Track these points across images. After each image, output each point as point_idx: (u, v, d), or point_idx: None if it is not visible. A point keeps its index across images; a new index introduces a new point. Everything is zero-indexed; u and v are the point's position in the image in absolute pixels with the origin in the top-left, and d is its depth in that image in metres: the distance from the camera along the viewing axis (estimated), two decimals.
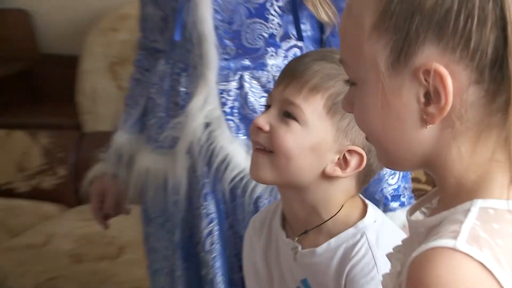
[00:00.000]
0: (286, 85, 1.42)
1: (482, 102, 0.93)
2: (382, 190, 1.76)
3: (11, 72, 3.61)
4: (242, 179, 1.84)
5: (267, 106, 1.49)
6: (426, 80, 0.93)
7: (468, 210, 0.93)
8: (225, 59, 1.85)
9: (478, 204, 0.93)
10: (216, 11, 1.82)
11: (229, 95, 1.85)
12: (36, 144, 3.49)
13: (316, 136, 1.39)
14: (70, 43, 3.54)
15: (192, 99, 1.84)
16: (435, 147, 0.98)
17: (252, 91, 1.84)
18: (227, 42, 1.84)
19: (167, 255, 1.98)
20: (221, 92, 1.84)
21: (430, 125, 0.95)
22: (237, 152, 1.80)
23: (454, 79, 0.91)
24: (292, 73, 1.44)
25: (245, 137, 1.85)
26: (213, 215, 1.87)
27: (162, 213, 1.97)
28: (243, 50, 1.84)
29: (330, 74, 1.36)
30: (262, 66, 1.82)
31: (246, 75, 1.82)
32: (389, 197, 1.77)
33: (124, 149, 2.04)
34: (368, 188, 1.69)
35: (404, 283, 0.94)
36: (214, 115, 1.83)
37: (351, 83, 1.02)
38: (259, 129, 1.41)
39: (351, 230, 1.43)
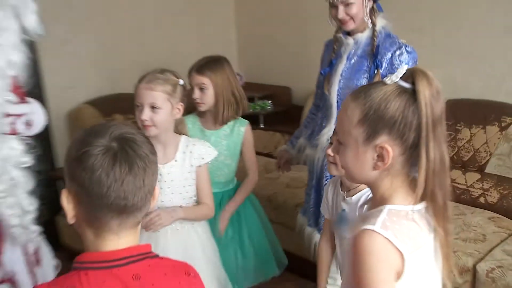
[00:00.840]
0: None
1: (402, 162, 0.99)
2: None
3: (279, 110, 3.67)
4: None
5: (331, 143, 1.53)
6: (379, 151, 0.98)
7: (382, 210, 0.98)
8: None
9: (387, 207, 0.98)
10: (338, 95, 1.94)
11: None
12: (283, 139, 3.47)
13: None
14: (303, 99, 3.48)
15: (324, 129, 2.01)
16: (376, 179, 1.01)
17: None
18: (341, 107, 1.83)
19: (310, 187, 2.11)
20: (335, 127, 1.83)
21: (376, 170, 0.99)
22: None
23: (393, 152, 0.97)
24: None
25: None
26: (328, 175, 1.97)
27: (311, 171, 2.10)
28: None
29: None
30: None
31: None
32: None
33: (302, 145, 2.17)
34: None
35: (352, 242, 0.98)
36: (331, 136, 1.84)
37: (339, 141, 1.04)
38: (329, 155, 1.46)
39: (364, 191, 1.50)
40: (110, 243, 0.91)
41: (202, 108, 2.04)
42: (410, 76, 0.97)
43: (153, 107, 1.64)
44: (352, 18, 1.86)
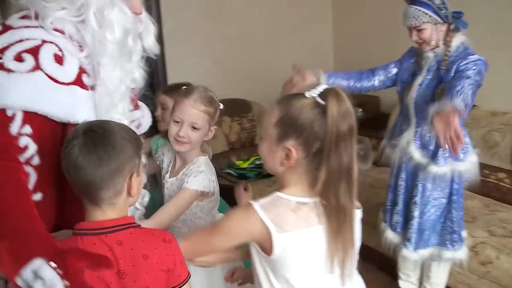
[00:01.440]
0: None
1: (305, 164, 1.00)
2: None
3: (368, 117, 3.46)
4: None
5: None
6: (286, 151, 1.00)
7: (271, 195, 1.02)
8: (417, 122, 1.94)
9: (276, 194, 1.02)
10: (414, 102, 1.92)
11: (417, 133, 1.93)
12: (370, 142, 2.83)
13: None
14: (390, 107, 3.30)
15: (405, 132, 1.99)
16: (282, 173, 1.03)
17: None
18: (417, 115, 1.93)
19: (388, 186, 2.10)
20: (415, 132, 1.95)
21: (283, 167, 1.02)
22: (415, 152, 1.93)
23: (298, 154, 0.99)
24: None
25: (420, 148, 1.94)
26: (403, 176, 2.01)
27: (390, 171, 2.07)
28: (424, 118, 1.87)
29: None
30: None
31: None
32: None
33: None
34: None
35: None
36: (410, 139, 1.96)
37: (261, 138, 1.07)
38: None
39: None
40: (91, 215, 0.98)
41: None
42: (325, 94, 0.97)
43: (193, 127, 1.46)
44: (424, 41, 1.88)
